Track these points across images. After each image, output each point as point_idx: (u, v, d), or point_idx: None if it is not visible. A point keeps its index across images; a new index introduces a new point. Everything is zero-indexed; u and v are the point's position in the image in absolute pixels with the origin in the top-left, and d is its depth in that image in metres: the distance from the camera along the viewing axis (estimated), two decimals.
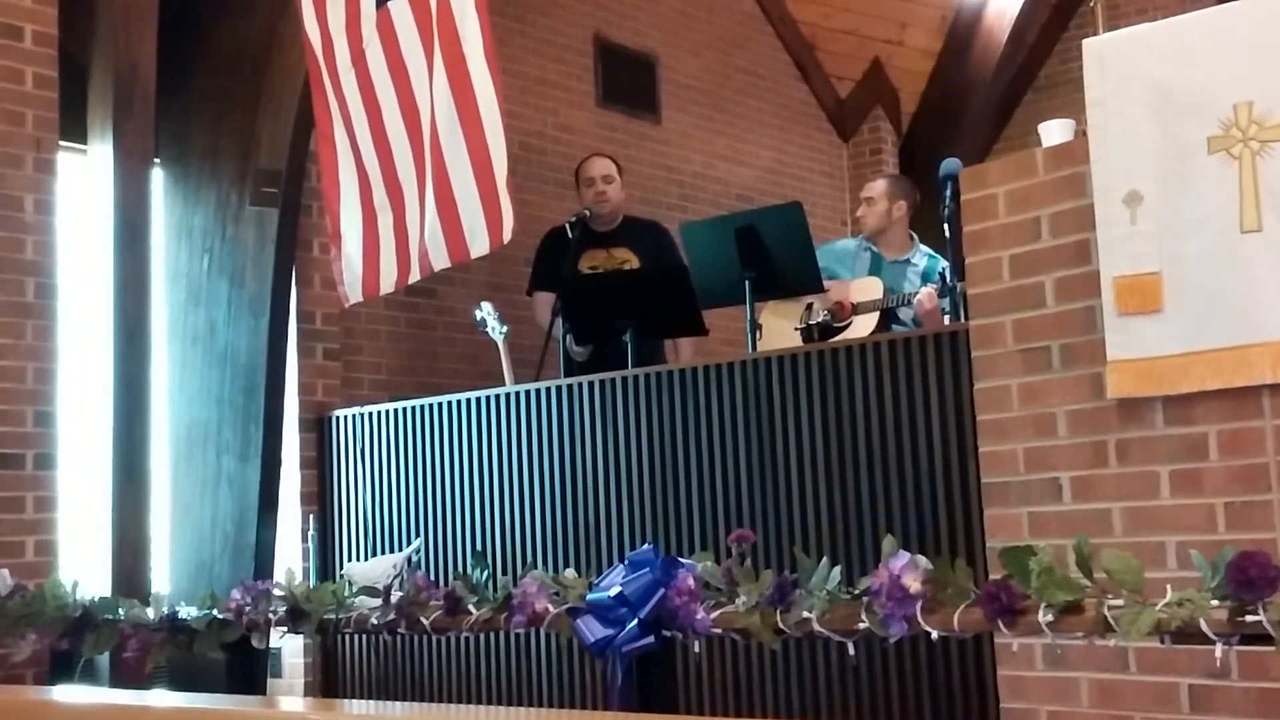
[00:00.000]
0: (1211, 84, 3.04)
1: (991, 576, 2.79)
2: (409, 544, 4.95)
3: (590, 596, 3.18)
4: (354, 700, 5.09)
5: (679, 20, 7.66)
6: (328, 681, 5.32)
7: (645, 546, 3.33)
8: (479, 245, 4.44)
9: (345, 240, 4.82)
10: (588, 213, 5.54)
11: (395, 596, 3.65)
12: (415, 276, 4.69)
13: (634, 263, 5.53)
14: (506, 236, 4.39)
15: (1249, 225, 2.98)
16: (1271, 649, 2.37)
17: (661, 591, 3.05)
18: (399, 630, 3.68)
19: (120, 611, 4.06)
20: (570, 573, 3.39)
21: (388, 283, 4.75)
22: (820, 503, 4.14)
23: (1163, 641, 2.48)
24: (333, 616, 3.77)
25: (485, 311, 5.35)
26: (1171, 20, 3.22)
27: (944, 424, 3.91)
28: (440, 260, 4.54)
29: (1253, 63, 3.01)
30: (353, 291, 4.84)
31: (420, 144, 4.52)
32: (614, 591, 3.10)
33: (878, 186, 5.46)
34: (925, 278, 5.19)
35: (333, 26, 4.71)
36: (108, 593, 4.43)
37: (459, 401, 5.03)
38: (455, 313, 6.03)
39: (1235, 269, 2.99)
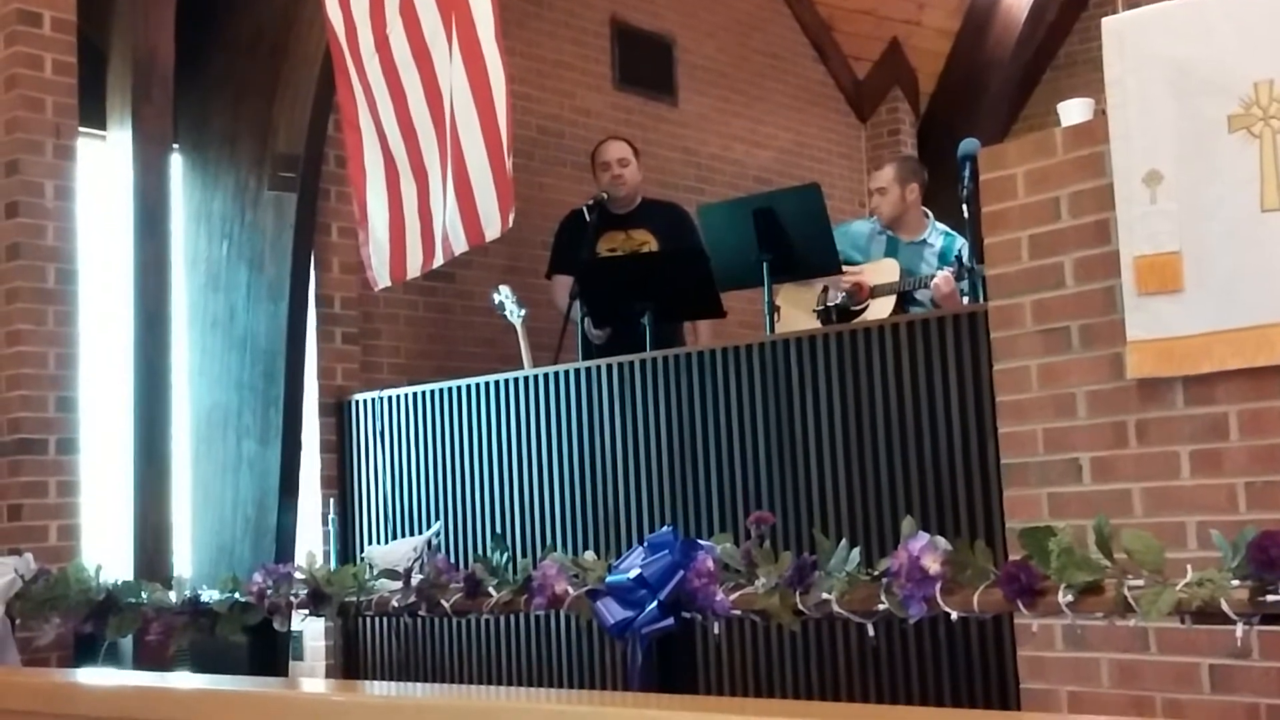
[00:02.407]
0: (1232, 62, 3.02)
1: (1011, 557, 2.78)
2: (429, 527, 4.97)
3: (610, 578, 3.18)
4: (375, 682, 5.11)
5: (696, 2, 7.63)
6: (349, 664, 5.35)
7: (665, 528, 3.32)
8: (492, 229, 4.44)
9: (372, 225, 4.82)
10: (605, 196, 5.54)
11: (416, 579, 3.65)
12: (439, 260, 4.69)
13: (652, 244, 5.52)
14: (510, 219, 4.40)
15: (1270, 204, 2.97)
16: None
17: (681, 573, 3.05)
18: (419, 613, 3.68)
19: (143, 595, 4.08)
20: (590, 555, 3.38)
21: (414, 266, 4.76)
22: (839, 484, 4.14)
23: (1183, 622, 2.47)
24: (354, 599, 3.78)
25: (503, 295, 5.35)
26: None
27: (963, 405, 3.91)
28: (459, 244, 4.55)
29: (1273, 41, 2.98)
30: (381, 276, 4.86)
31: (443, 127, 4.52)
32: (633, 573, 3.10)
33: (886, 175, 5.37)
34: (942, 258, 5.16)
35: (356, 12, 4.71)
36: (130, 576, 4.45)
37: (477, 385, 5.04)
38: (473, 296, 6.04)
39: (1256, 248, 2.98)
